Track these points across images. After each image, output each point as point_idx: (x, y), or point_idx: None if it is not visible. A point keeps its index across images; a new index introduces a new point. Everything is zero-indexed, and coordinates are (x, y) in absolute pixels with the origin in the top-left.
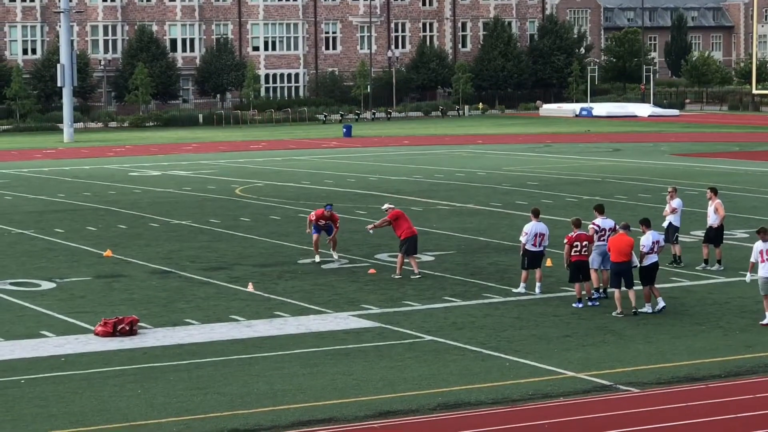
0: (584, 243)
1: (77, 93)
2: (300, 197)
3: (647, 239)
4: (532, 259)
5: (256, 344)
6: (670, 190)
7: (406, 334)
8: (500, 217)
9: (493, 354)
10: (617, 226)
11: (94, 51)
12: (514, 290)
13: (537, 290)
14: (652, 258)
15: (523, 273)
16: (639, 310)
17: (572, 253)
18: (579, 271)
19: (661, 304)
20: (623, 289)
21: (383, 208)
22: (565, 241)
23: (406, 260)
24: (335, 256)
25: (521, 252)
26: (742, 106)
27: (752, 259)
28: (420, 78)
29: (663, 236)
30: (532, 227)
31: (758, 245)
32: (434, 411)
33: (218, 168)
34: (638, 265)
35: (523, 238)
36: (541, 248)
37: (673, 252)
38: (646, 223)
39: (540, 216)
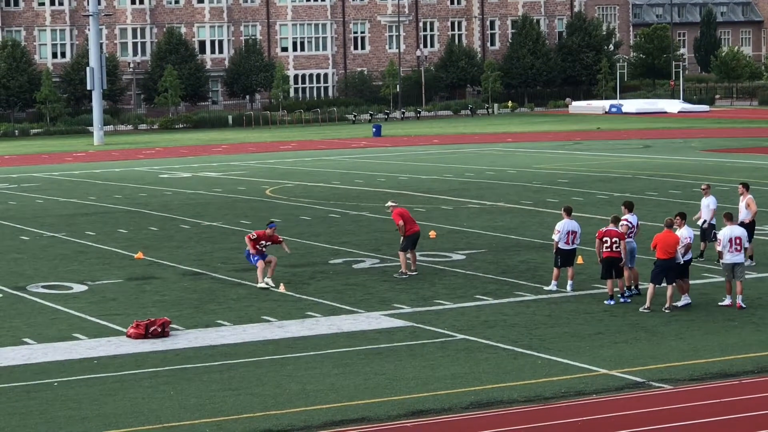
0: (614, 239)
1: (107, 96)
2: (330, 197)
3: (688, 232)
4: (565, 257)
5: (289, 345)
6: (703, 187)
7: (438, 333)
8: (531, 215)
9: (525, 352)
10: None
11: (123, 54)
12: (546, 288)
13: (569, 288)
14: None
15: (555, 271)
16: (674, 304)
17: (603, 249)
18: (611, 267)
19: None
20: (663, 285)
21: (386, 205)
22: (597, 236)
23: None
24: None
25: (554, 250)
26: None
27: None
28: (449, 77)
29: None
30: (564, 225)
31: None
32: (467, 410)
33: (248, 169)
34: (681, 262)
35: (555, 237)
36: (574, 246)
37: (702, 249)
38: (683, 217)
39: (572, 214)
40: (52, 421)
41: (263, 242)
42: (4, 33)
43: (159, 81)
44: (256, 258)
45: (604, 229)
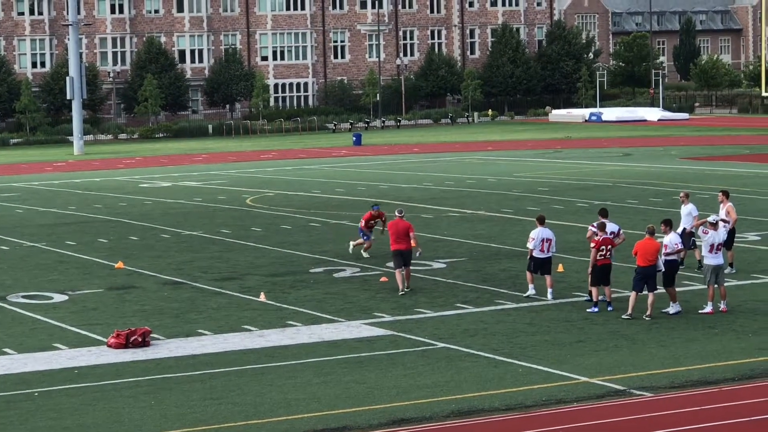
0: (608, 247)
1: (87, 105)
2: (311, 206)
3: (673, 239)
4: (540, 265)
5: (269, 354)
6: (681, 195)
7: (419, 341)
8: (511, 223)
9: (506, 360)
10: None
11: (103, 63)
12: (525, 295)
13: (549, 296)
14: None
15: (528, 275)
16: (662, 311)
17: (598, 257)
18: (602, 274)
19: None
20: (645, 292)
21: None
22: (593, 245)
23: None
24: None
25: (528, 257)
26: (752, 109)
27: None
28: (429, 85)
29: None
30: (538, 233)
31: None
32: (448, 418)
33: (229, 178)
34: (663, 269)
35: (530, 244)
36: (549, 254)
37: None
38: (669, 224)
39: (545, 222)
40: (34, 431)
41: (372, 221)
42: None
43: (139, 90)
44: (364, 234)
45: (600, 237)
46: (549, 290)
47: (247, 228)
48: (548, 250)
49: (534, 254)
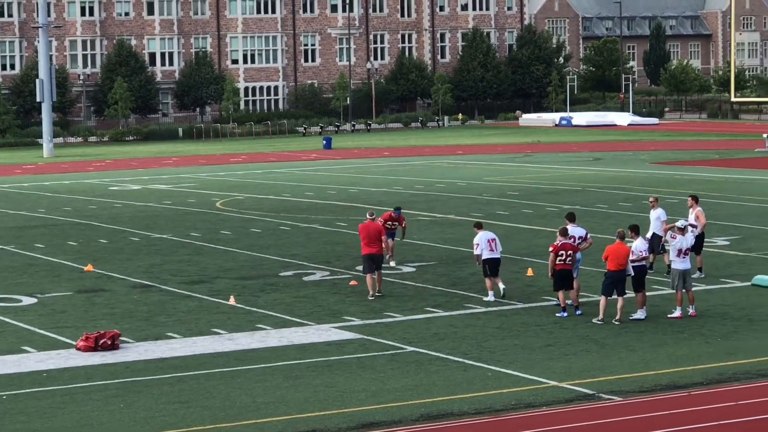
0: (569, 252)
1: (56, 108)
2: (280, 210)
3: (640, 245)
4: (493, 266)
5: (239, 357)
6: (651, 200)
7: (388, 345)
8: None
9: (475, 364)
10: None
11: (73, 66)
12: (485, 299)
13: (501, 285)
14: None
15: (487, 281)
16: (631, 317)
17: (557, 262)
18: (563, 279)
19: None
20: (614, 297)
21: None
22: (551, 249)
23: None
24: (392, 263)
25: (478, 263)
26: (721, 114)
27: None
28: (399, 89)
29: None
30: (481, 237)
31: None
32: (417, 422)
33: (198, 181)
34: (632, 274)
35: (477, 250)
36: (498, 255)
37: (651, 261)
38: (636, 230)
39: (483, 226)
40: None
41: (390, 223)
42: None
43: (109, 93)
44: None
45: (559, 242)
46: (500, 286)
47: (217, 231)
48: (497, 249)
49: (485, 257)
